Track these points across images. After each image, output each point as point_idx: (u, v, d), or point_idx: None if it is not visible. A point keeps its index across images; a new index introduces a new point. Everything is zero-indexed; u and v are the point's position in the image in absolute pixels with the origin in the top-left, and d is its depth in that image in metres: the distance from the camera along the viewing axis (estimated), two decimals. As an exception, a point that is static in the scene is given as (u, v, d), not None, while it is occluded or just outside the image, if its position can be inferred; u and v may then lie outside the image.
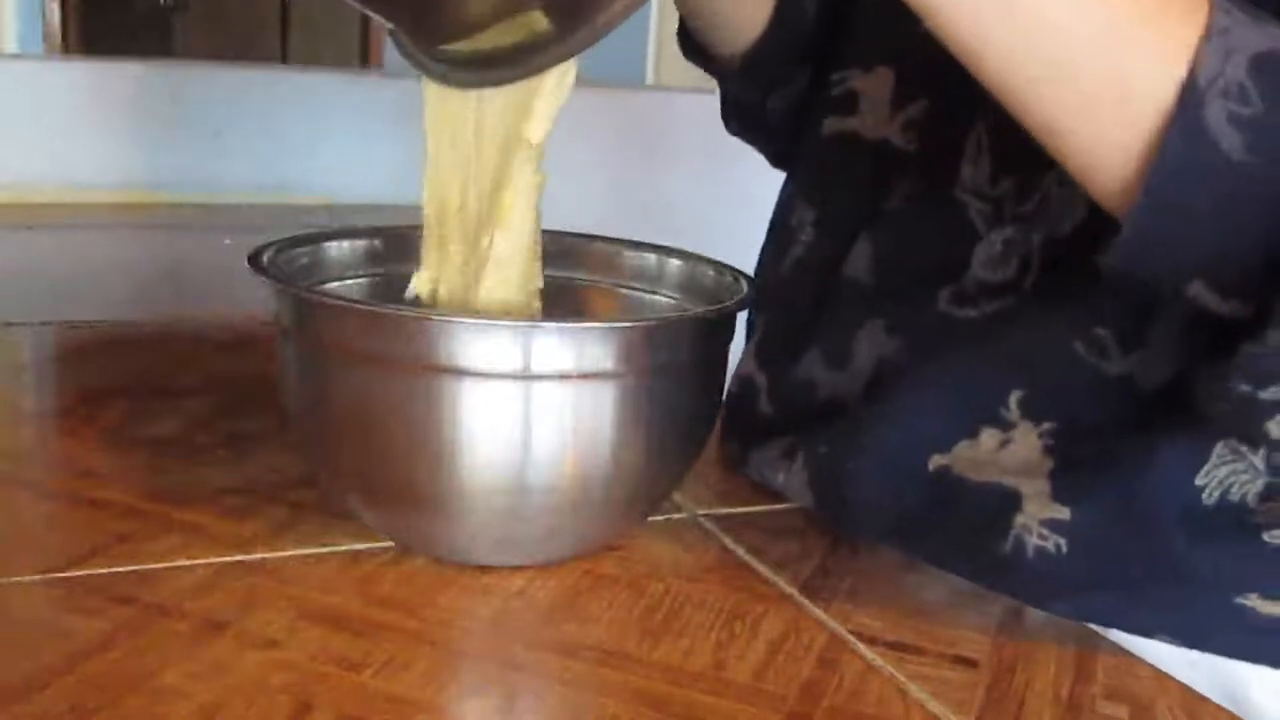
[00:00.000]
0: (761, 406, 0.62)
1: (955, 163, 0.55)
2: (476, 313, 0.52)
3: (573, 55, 0.42)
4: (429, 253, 0.52)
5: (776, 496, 0.59)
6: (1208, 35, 0.39)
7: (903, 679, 0.44)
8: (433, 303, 0.52)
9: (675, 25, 0.70)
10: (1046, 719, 0.43)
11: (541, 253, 0.51)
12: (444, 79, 0.46)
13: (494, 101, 0.47)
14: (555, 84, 0.45)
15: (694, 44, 0.69)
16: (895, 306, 0.56)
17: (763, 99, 0.69)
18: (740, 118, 0.72)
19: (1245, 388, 0.42)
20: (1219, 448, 0.47)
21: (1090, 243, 0.44)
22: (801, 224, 0.63)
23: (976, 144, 0.54)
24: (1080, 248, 0.43)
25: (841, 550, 0.55)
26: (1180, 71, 0.39)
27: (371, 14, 0.45)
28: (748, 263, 0.64)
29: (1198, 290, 0.43)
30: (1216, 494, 0.47)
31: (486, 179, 0.49)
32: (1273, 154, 0.39)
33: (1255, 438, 0.45)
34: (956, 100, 0.48)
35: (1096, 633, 0.49)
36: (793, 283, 0.62)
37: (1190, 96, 0.39)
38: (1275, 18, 0.41)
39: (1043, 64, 0.41)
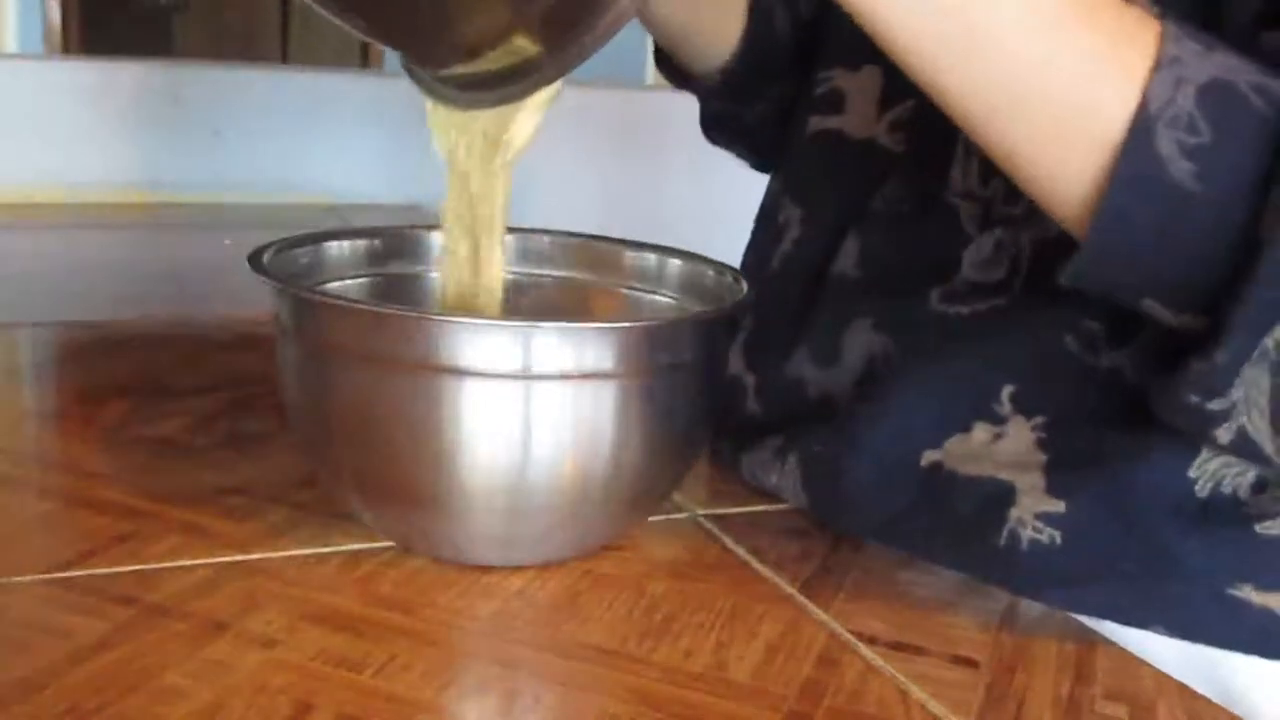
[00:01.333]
0: (749, 405, 0.62)
1: (944, 164, 0.55)
2: (476, 313, 0.52)
3: (563, 74, 0.43)
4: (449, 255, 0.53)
5: (775, 496, 0.59)
6: (1159, 65, 0.40)
7: (903, 679, 0.44)
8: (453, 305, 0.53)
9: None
10: (1046, 719, 0.43)
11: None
12: (447, 100, 0.48)
13: (483, 116, 0.48)
14: (539, 97, 0.46)
15: (668, 64, 0.69)
16: (884, 304, 0.56)
17: (741, 111, 0.69)
18: (721, 129, 0.73)
19: (1194, 399, 0.43)
20: None
21: (1078, 243, 0.45)
22: (789, 222, 0.63)
23: (965, 146, 0.54)
24: (1068, 248, 0.44)
25: (842, 550, 0.55)
26: (1133, 100, 0.40)
27: (369, 39, 0.46)
28: (748, 263, 0.64)
29: (1150, 305, 0.44)
30: (1209, 486, 0.48)
31: (478, 185, 0.50)
32: (1221, 183, 0.40)
33: (1206, 442, 0.46)
34: None
35: (1096, 632, 0.49)
36: (780, 280, 0.62)
37: (1142, 125, 0.40)
38: (1227, 42, 0.42)
39: (1001, 94, 0.42)
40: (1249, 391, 0.42)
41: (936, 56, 0.42)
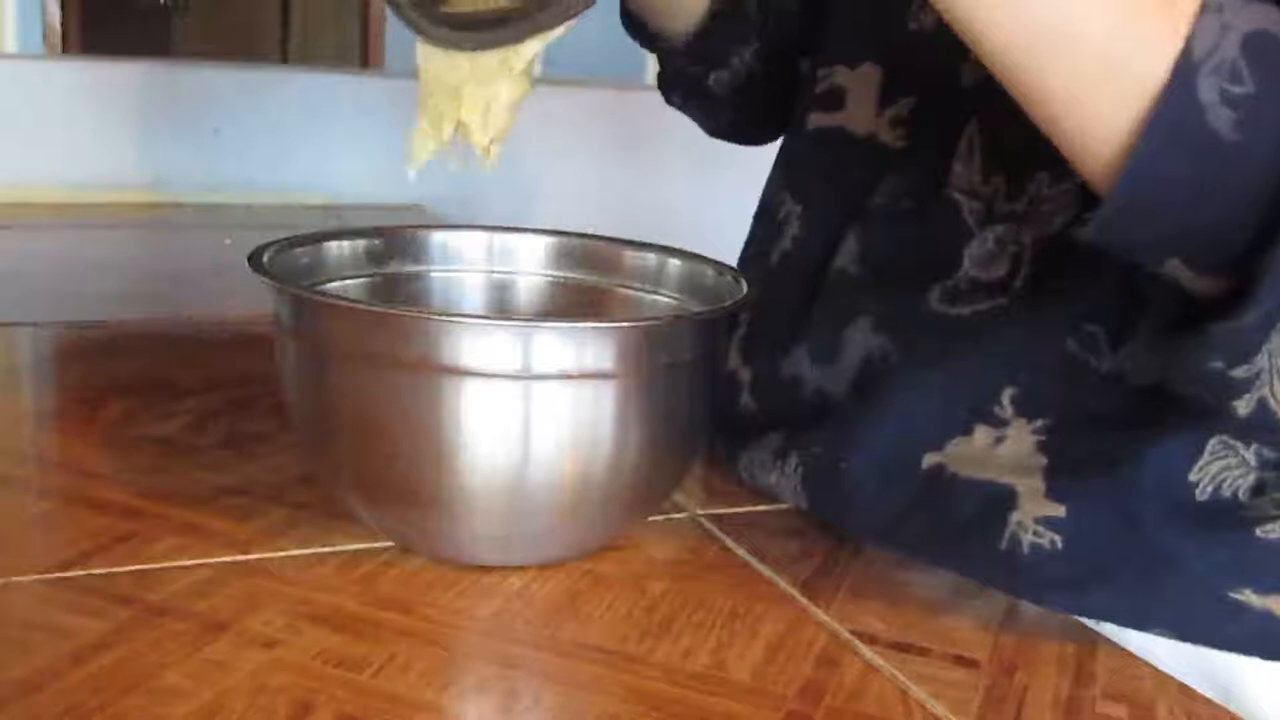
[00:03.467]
0: (743, 402, 0.62)
1: (946, 161, 0.55)
2: (476, 314, 0.52)
3: (570, 18, 0.42)
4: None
5: (773, 495, 0.59)
6: (1203, 9, 0.39)
7: (903, 679, 0.44)
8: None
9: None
10: (1046, 719, 0.43)
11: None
12: (438, 40, 0.47)
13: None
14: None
15: (637, 22, 0.70)
16: (884, 303, 0.56)
17: (702, 74, 0.69)
18: (682, 89, 0.73)
19: (1217, 364, 0.42)
20: (1212, 443, 0.47)
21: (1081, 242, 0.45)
22: (789, 218, 0.63)
23: (968, 142, 0.54)
24: (1071, 246, 0.44)
25: (842, 550, 0.55)
26: (1176, 46, 0.39)
27: None
28: (748, 263, 0.64)
29: (1173, 266, 0.43)
30: (1209, 489, 0.48)
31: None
32: (1261, 133, 0.39)
33: (1223, 415, 0.45)
34: (945, 98, 0.48)
35: (1096, 633, 0.49)
36: (780, 277, 0.62)
37: (1184, 71, 0.39)
38: None
39: (1040, 36, 0.41)
40: (1273, 360, 0.42)
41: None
